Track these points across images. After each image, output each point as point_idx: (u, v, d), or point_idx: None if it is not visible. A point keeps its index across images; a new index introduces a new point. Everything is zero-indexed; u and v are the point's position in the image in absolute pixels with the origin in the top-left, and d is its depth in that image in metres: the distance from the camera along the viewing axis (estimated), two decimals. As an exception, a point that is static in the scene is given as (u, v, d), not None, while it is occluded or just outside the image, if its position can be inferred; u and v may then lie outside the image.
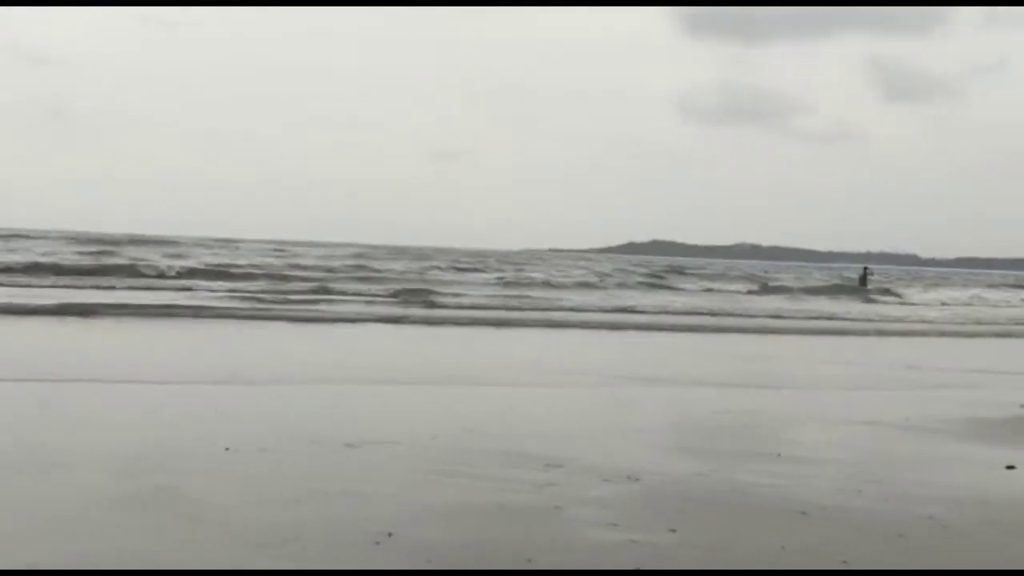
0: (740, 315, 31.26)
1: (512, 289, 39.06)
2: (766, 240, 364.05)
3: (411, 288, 34.90)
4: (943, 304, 44.67)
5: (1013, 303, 48.41)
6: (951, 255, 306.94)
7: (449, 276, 46.08)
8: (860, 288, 53.80)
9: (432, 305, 28.59)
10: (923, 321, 31.13)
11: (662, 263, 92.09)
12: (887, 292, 52.41)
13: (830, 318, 31.30)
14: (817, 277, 68.32)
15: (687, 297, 40.96)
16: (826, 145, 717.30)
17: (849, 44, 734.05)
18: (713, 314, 30.92)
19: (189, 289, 31.46)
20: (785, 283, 55.88)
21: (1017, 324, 31.23)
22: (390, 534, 5.81)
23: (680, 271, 67.04)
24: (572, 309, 29.30)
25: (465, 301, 30.66)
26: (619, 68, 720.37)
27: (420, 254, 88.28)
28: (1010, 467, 8.23)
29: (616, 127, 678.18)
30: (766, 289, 50.81)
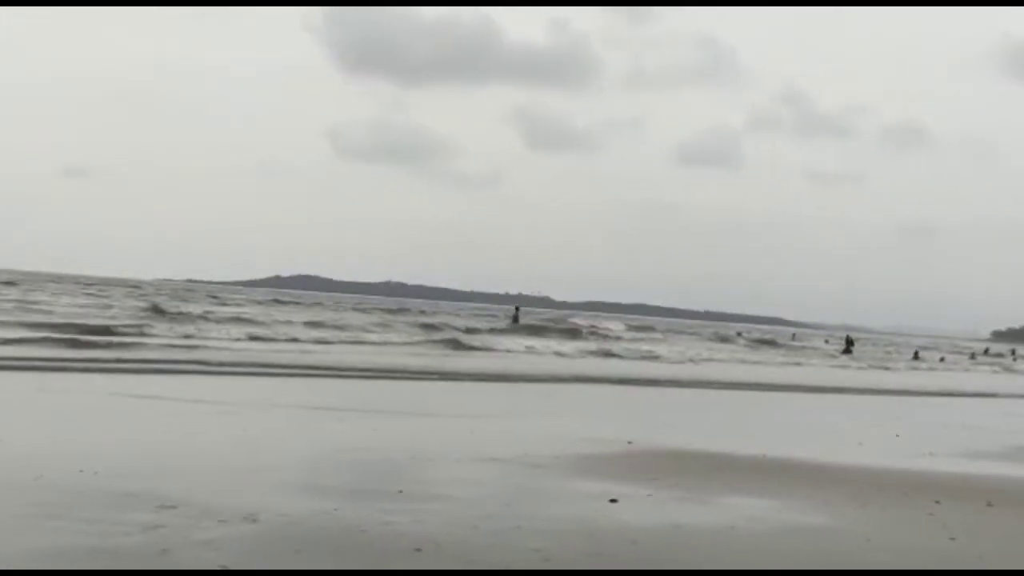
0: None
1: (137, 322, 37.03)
2: (412, 279, 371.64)
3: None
4: (580, 351, 46.58)
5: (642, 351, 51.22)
6: (581, 299, 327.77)
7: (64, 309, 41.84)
8: (513, 325, 55.85)
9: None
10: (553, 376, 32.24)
11: (310, 299, 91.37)
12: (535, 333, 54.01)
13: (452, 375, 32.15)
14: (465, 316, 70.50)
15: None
16: (475, 189, 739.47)
17: (503, 93, 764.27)
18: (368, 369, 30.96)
19: None
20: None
21: (631, 376, 33.49)
22: (-28, 584, 5.34)
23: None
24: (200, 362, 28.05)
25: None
26: (269, 96, 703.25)
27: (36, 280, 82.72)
28: (613, 500, 8.79)
29: (265, 157, 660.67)
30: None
